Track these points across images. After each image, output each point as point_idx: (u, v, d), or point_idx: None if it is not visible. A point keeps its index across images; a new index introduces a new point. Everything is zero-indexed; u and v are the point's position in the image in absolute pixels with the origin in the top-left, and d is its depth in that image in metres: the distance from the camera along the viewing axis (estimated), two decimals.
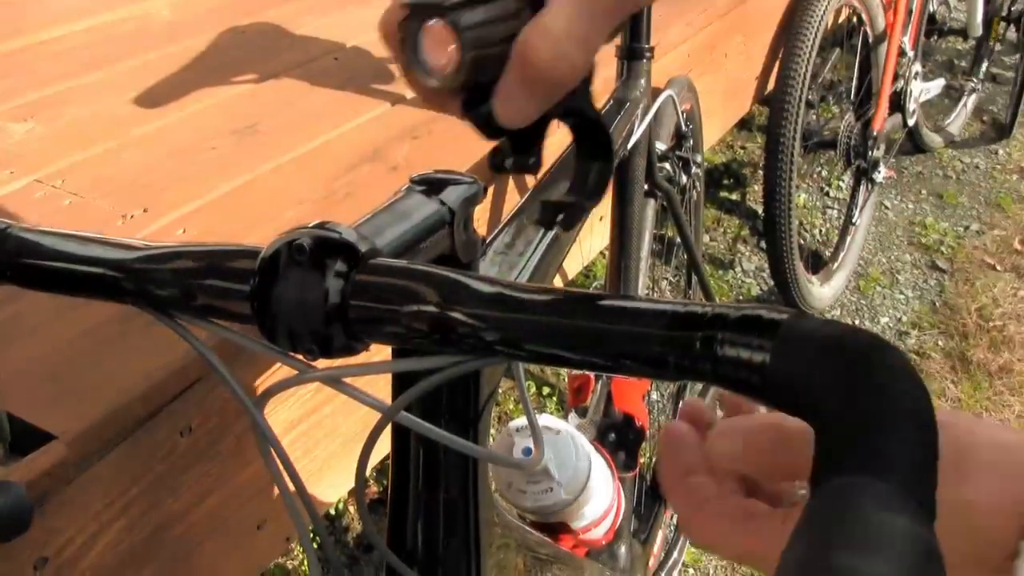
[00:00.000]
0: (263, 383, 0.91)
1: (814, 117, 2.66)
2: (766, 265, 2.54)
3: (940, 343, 2.43)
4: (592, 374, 1.23)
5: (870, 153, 2.53)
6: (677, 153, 1.47)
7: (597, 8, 0.39)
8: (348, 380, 0.45)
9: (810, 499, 0.29)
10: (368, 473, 0.51)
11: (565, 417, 1.19)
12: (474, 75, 0.40)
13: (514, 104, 0.41)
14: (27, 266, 0.52)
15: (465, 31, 0.39)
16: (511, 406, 2.10)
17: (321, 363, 0.46)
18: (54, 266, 0.51)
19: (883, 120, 2.54)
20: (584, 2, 0.39)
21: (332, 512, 1.80)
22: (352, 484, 1.12)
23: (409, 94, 1.39)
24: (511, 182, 1.37)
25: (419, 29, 0.41)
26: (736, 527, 0.42)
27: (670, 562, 1.67)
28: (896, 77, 2.61)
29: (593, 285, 2.43)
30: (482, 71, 0.40)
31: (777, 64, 2.39)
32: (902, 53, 2.61)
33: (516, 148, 0.46)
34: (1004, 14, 3.33)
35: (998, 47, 3.47)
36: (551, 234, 0.84)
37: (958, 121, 3.36)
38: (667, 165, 1.43)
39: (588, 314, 0.38)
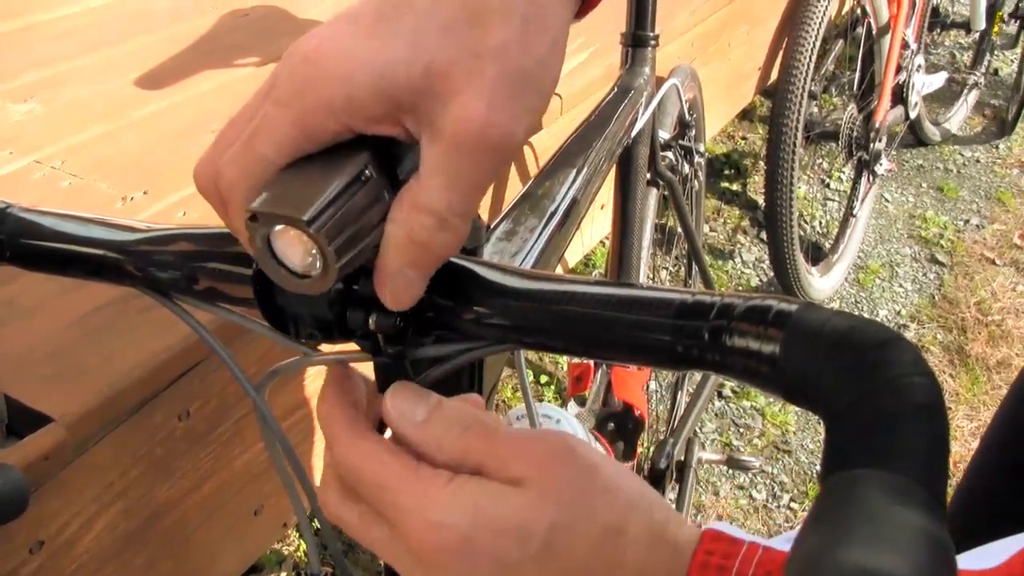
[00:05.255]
0: (263, 367, 0.91)
1: (816, 108, 2.66)
2: (766, 256, 2.54)
3: (939, 337, 2.43)
4: (592, 363, 1.23)
5: (872, 145, 2.52)
6: (680, 142, 1.46)
7: (472, 182, 0.38)
8: (352, 366, 0.45)
9: (821, 491, 0.29)
10: None
11: (564, 406, 1.19)
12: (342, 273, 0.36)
13: (403, 285, 0.38)
14: (27, 247, 0.51)
15: (331, 240, 0.34)
16: (508, 394, 2.10)
17: (323, 348, 0.46)
18: (54, 247, 0.51)
19: (885, 112, 2.53)
20: (457, 178, 0.37)
21: None
22: None
23: None
24: (513, 169, 1.36)
25: (269, 233, 0.35)
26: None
27: None
28: (899, 69, 2.61)
29: (593, 274, 2.43)
30: (350, 266, 0.36)
31: (781, 54, 2.39)
32: (905, 45, 2.60)
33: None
34: (1011, 11, 3.33)
35: (1000, 42, 3.46)
36: (554, 222, 0.84)
37: (959, 115, 3.35)
38: (670, 154, 1.43)
39: (597, 302, 0.38)
